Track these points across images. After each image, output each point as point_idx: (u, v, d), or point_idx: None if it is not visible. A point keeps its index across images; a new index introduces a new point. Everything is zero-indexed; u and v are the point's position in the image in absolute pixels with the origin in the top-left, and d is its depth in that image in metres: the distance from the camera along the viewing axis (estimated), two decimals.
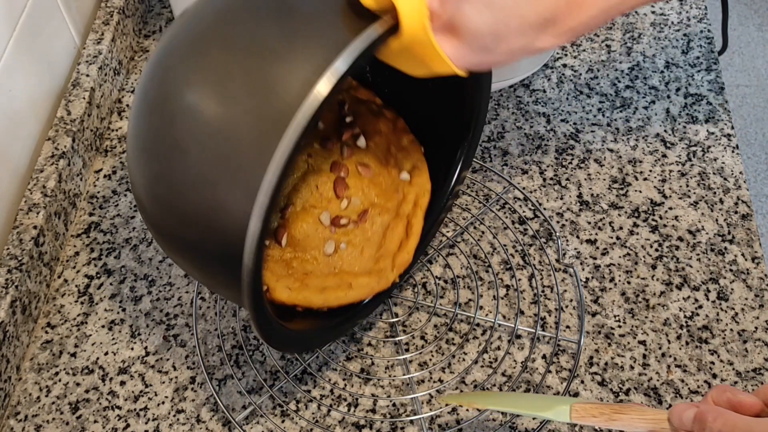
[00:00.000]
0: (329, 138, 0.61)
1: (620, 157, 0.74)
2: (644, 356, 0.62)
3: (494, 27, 0.41)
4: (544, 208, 0.70)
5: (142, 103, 0.46)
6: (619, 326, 0.63)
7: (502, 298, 0.65)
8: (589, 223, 0.70)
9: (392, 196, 0.60)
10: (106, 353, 0.63)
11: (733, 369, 0.61)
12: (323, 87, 0.40)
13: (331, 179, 0.58)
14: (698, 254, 0.67)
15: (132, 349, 0.63)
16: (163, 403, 0.60)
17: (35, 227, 0.64)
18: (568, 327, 0.63)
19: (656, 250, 0.68)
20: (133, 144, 0.47)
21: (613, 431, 0.54)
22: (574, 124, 0.77)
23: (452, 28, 0.42)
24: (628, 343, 0.62)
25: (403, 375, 0.61)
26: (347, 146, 0.61)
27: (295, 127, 0.39)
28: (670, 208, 0.70)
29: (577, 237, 0.69)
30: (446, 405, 0.59)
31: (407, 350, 0.62)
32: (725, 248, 0.68)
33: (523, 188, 0.72)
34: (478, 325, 0.64)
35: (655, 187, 0.72)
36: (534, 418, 0.58)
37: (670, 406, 0.59)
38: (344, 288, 0.55)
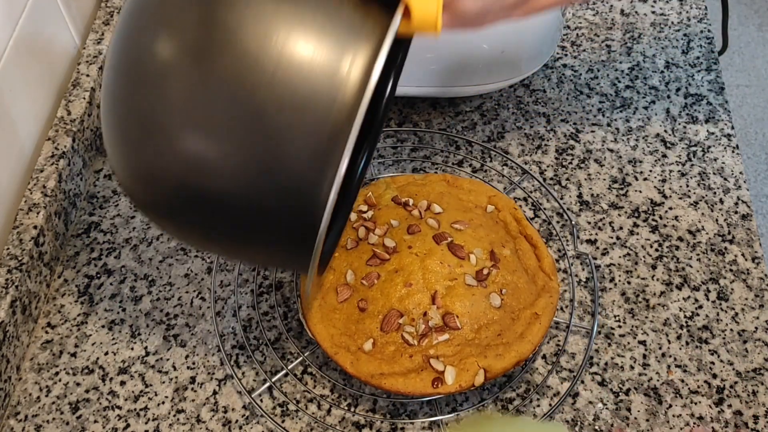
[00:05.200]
0: (409, 226, 0.62)
1: (620, 157, 0.74)
2: (644, 356, 0.62)
3: (481, 9, 0.49)
4: (544, 208, 0.70)
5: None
6: (619, 326, 0.63)
7: None
8: (589, 223, 0.69)
9: (496, 228, 0.63)
10: (106, 353, 0.63)
11: (733, 369, 0.61)
12: (376, 72, 0.42)
13: (443, 250, 0.60)
14: (698, 254, 0.67)
15: (132, 349, 0.63)
16: (163, 403, 0.60)
17: (35, 227, 0.64)
18: (567, 327, 0.63)
19: (656, 250, 0.68)
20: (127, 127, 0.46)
21: None
22: (574, 124, 0.77)
23: (445, 8, 0.48)
24: (628, 343, 0.62)
25: None
26: (425, 222, 0.63)
27: (366, 98, 0.42)
28: (670, 208, 0.70)
29: (578, 237, 0.68)
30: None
31: None
32: (725, 248, 0.68)
33: (523, 188, 0.72)
34: None
35: (655, 187, 0.72)
36: (534, 416, 0.58)
37: (671, 406, 0.59)
38: (535, 321, 0.58)
